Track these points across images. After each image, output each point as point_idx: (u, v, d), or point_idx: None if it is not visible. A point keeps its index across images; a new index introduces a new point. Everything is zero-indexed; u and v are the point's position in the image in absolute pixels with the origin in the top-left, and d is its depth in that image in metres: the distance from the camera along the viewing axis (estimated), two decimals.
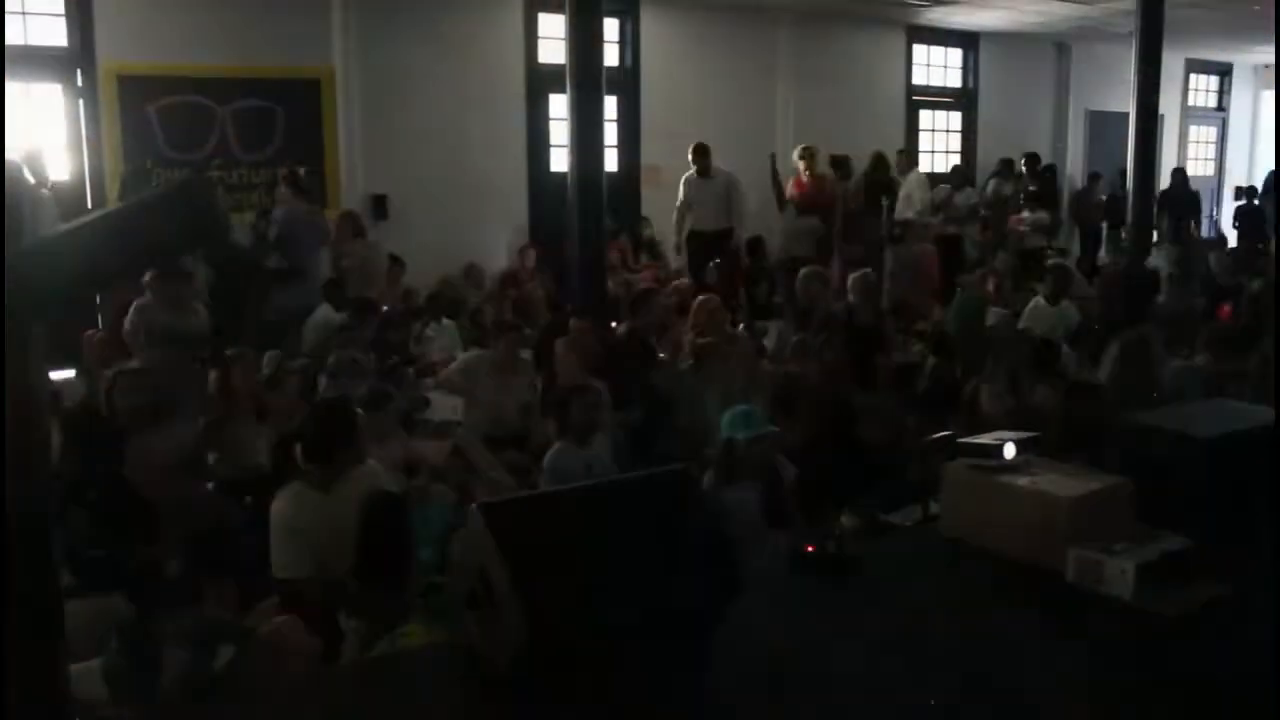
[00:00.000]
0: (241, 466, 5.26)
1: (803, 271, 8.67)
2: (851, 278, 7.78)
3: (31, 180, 7.28)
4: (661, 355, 6.80)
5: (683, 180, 9.80)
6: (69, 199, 8.19)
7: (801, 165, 10.75)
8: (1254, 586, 2.42)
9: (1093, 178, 14.35)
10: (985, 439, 2.81)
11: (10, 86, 8.42)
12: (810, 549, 2.62)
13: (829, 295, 8.25)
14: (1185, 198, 14.14)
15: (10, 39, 8.34)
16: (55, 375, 6.55)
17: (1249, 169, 17.58)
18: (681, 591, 2.09)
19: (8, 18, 8.37)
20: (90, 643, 3.15)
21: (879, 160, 11.77)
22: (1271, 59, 14.16)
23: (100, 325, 7.67)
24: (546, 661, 1.95)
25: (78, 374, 7.18)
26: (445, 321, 8.19)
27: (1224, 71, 17.25)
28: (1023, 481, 2.66)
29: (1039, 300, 8.27)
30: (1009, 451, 2.72)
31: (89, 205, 8.51)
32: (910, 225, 10.86)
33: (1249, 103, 17.62)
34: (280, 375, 6.07)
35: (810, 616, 2.43)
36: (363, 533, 3.63)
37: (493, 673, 1.99)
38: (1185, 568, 2.44)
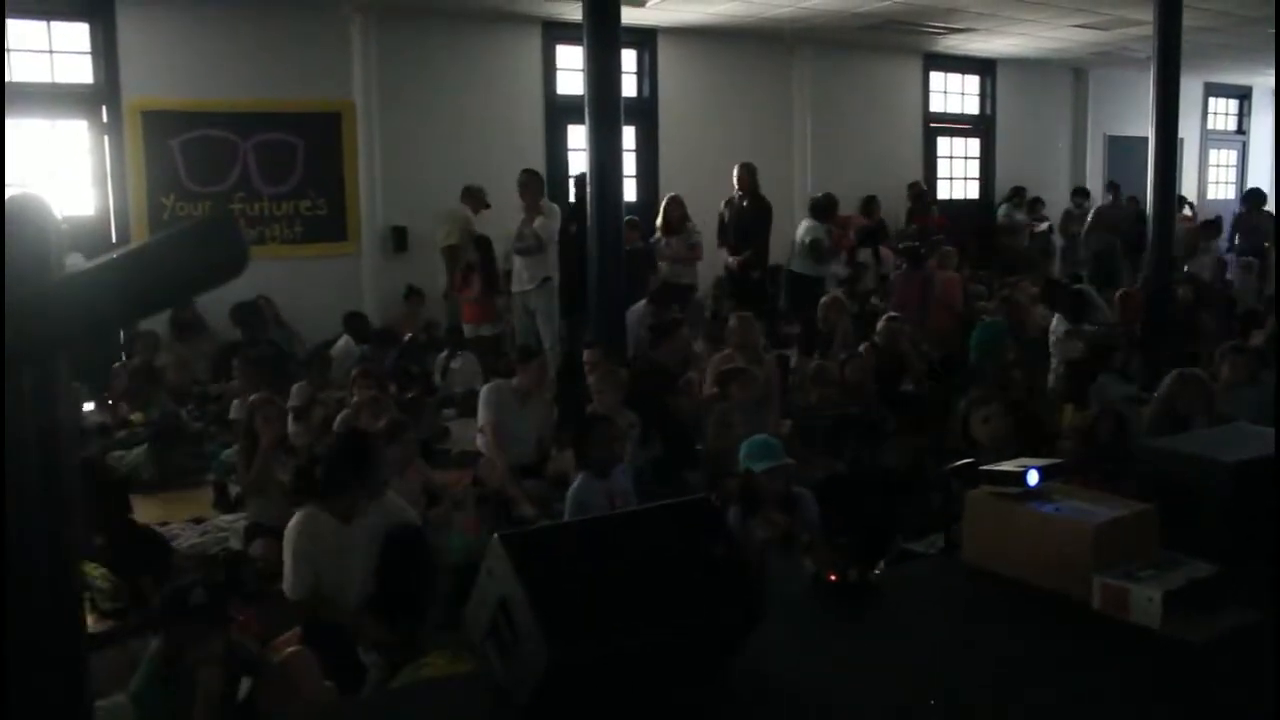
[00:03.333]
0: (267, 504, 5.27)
1: (823, 299, 8.68)
2: (884, 319, 7.79)
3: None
4: (688, 375, 6.79)
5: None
6: (93, 233, 8.28)
7: None
8: None
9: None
10: (1008, 466, 2.79)
11: (37, 123, 8.56)
12: (832, 577, 2.61)
13: (847, 321, 8.24)
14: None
15: (38, 77, 8.49)
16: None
17: (1271, 191, 17.49)
18: (703, 621, 2.08)
19: (35, 56, 8.51)
20: (113, 685, 3.16)
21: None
22: None
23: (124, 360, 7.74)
24: (567, 693, 1.95)
25: (95, 407, 7.23)
26: (465, 353, 8.24)
27: (1243, 95, 17.22)
28: (1046, 508, 2.63)
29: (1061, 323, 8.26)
30: (1032, 478, 2.70)
31: (113, 239, 8.61)
32: (941, 251, 10.84)
33: (1269, 125, 17.55)
34: (307, 407, 6.09)
35: (831, 645, 2.41)
36: (383, 565, 3.62)
37: (514, 704, 1.98)
38: (1212, 594, 2.41)
